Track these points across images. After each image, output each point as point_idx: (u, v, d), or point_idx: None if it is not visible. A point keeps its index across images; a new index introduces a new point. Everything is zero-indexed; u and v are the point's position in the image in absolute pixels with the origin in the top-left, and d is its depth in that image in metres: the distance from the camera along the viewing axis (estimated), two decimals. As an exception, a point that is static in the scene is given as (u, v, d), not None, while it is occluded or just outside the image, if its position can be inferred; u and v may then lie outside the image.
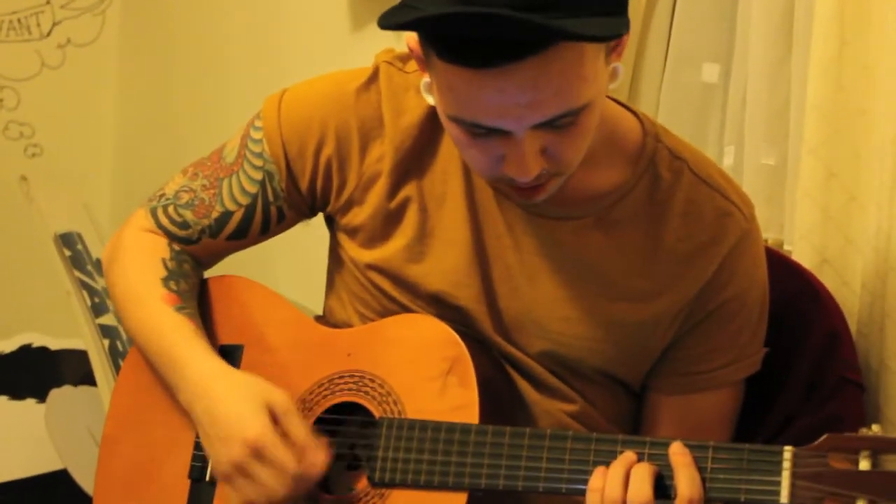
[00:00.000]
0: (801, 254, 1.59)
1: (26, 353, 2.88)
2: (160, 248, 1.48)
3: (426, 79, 1.27)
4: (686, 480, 1.21)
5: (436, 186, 1.40)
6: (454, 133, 1.25)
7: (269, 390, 1.35)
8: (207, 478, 1.43)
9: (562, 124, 1.20)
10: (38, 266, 2.74)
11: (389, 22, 1.17)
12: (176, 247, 1.49)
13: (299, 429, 1.33)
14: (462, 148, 1.26)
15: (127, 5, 3.01)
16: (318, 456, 1.32)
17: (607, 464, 1.24)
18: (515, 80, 1.15)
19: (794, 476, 1.17)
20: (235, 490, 1.33)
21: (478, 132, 1.22)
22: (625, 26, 1.19)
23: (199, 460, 1.43)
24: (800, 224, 1.60)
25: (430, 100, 1.29)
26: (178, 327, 1.41)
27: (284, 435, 1.32)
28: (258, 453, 1.31)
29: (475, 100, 1.18)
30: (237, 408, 1.33)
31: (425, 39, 1.21)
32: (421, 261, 1.40)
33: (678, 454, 1.23)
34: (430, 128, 1.39)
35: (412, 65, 1.41)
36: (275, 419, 1.33)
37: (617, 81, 1.25)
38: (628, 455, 1.24)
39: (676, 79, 1.91)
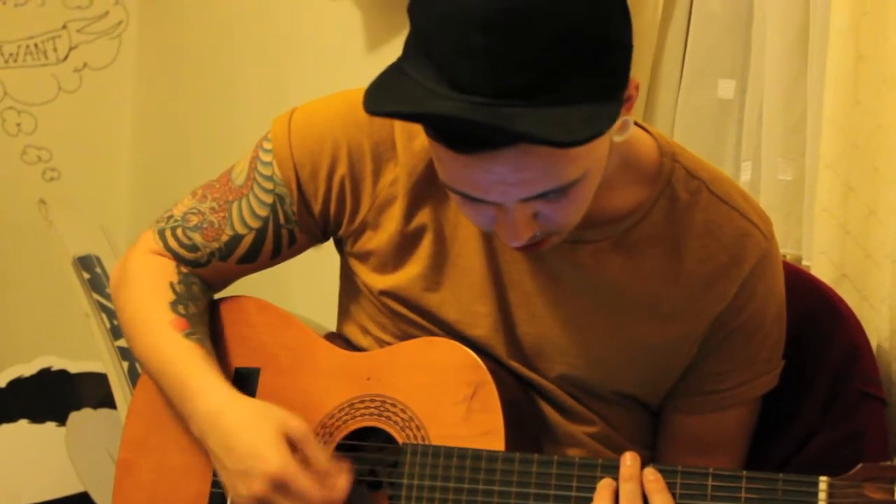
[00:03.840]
0: (820, 269, 1.59)
1: (46, 377, 2.89)
2: (168, 271, 1.46)
3: None
4: None
5: (450, 213, 1.38)
6: (449, 192, 1.24)
7: (285, 417, 1.33)
8: (229, 504, 1.42)
9: (552, 197, 1.19)
10: (57, 289, 2.74)
11: (367, 102, 1.15)
12: (184, 269, 1.47)
13: (319, 455, 1.32)
14: (457, 203, 1.26)
15: (143, 29, 3.02)
16: (339, 481, 1.31)
17: None
18: (499, 162, 1.14)
19: None
20: None
21: (470, 197, 1.21)
22: (611, 119, 1.13)
23: (219, 486, 1.41)
24: (818, 239, 1.59)
25: None
26: (187, 355, 1.39)
27: (304, 462, 1.31)
28: (281, 486, 1.29)
29: (461, 176, 1.18)
30: (254, 439, 1.32)
31: None
32: (437, 290, 1.39)
33: (651, 481, 1.23)
34: None
35: None
36: (293, 447, 1.32)
37: (626, 134, 1.22)
38: (609, 481, 1.24)
39: (692, 95, 1.91)
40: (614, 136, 1.22)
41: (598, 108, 1.12)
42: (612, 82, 1.14)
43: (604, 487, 1.24)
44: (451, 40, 1.10)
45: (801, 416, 1.48)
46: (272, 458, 1.30)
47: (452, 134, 1.14)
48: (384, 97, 1.15)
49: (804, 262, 1.71)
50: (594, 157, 1.19)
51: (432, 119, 1.14)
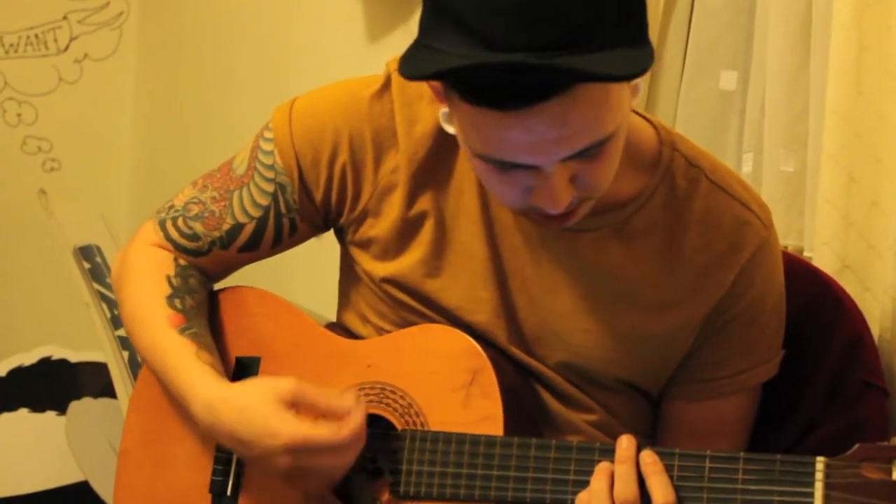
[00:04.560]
0: (822, 260, 1.58)
1: (46, 366, 2.89)
2: (165, 264, 1.46)
3: (445, 109, 1.27)
4: (658, 486, 1.21)
5: (451, 200, 1.39)
6: (480, 168, 1.24)
7: (271, 384, 1.33)
8: (229, 492, 1.42)
9: (590, 154, 1.20)
10: (58, 279, 2.75)
11: (412, 71, 1.16)
12: (182, 261, 1.47)
13: (321, 399, 1.32)
14: (488, 182, 1.26)
15: (143, 19, 3.02)
16: (354, 415, 1.31)
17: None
18: (543, 118, 1.14)
19: (828, 487, 1.16)
20: (301, 488, 1.33)
21: (505, 167, 1.21)
22: (650, 58, 1.16)
23: (220, 474, 1.43)
24: (820, 230, 1.59)
25: (451, 129, 1.28)
26: (180, 352, 1.39)
27: (312, 412, 1.31)
28: (301, 449, 1.29)
29: (502, 139, 1.18)
30: (254, 420, 1.31)
31: (447, 84, 1.20)
32: (438, 276, 1.39)
33: (649, 463, 1.23)
34: (444, 138, 1.38)
35: None
36: (294, 405, 1.31)
37: (637, 97, 1.24)
38: (606, 464, 1.24)
39: (694, 87, 1.91)
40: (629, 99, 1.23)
41: (634, 51, 1.14)
42: (638, 30, 1.16)
43: (601, 470, 1.24)
44: (481, 2, 1.11)
45: (802, 407, 1.48)
46: (279, 431, 1.29)
47: (497, 91, 1.14)
48: (421, 65, 1.15)
49: (806, 254, 1.71)
50: (623, 112, 1.21)
51: (489, 69, 1.12)
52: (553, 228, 1.32)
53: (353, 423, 1.30)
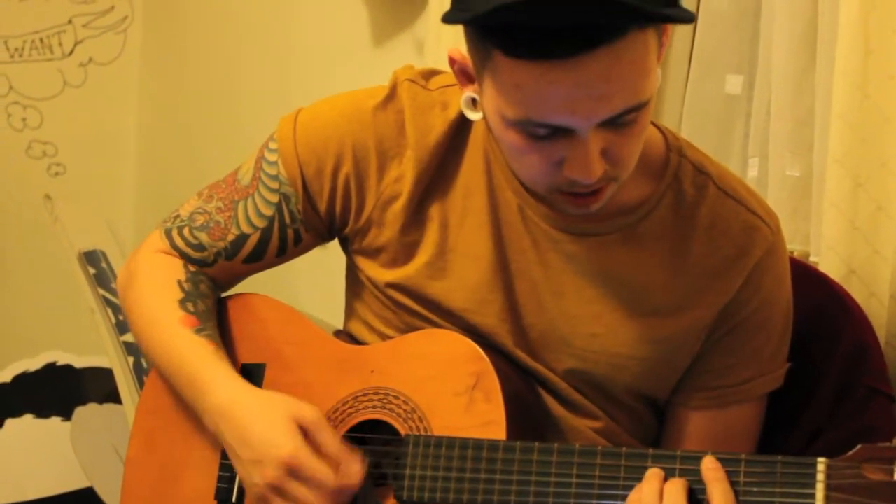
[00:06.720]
0: (828, 265, 1.58)
1: (51, 372, 2.89)
2: (175, 269, 1.47)
3: (468, 94, 1.27)
4: (720, 495, 1.20)
5: (457, 202, 1.39)
6: (512, 140, 1.23)
7: (297, 405, 1.34)
8: (234, 499, 1.42)
9: (624, 122, 1.20)
10: (63, 284, 2.75)
11: (463, 17, 1.16)
12: (191, 268, 1.48)
13: (331, 441, 1.32)
14: (519, 156, 1.25)
15: (148, 24, 3.03)
16: (353, 467, 1.31)
17: (638, 479, 1.23)
18: (589, 71, 1.15)
19: (829, 488, 1.15)
20: None
21: (540, 134, 1.21)
22: (691, 13, 1.19)
23: (226, 481, 1.43)
24: (826, 235, 1.58)
25: (474, 116, 1.28)
26: (198, 350, 1.40)
27: (317, 449, 1.31)
28: (294, 471, 1.30)
29: (545, 96, 1.17)
30: (266, 427, 1.32)
31: (490, 38, 1.18)
32: (442, 278, 1.39)
33: (711, 469, 1.21)
34: (454, 143, 1.39)
35: (435, 81, 1.40)
36: (305, 434, 1.32)
37: (656, 85, 1.25)
38: (657, 471, 1.23)
39: (700, 90, 1.90)
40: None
41: (674, 8, 1.17)
42: None
43: (654, 476, 1.23)
44: None
45: (808, 413, 1.48)
46: (284, 444, 1.30)
47: (545, 38, 1.13)
48: (474, 4, 1.14)
49: (812, 258, 1.70)
50: (654, 87, 1.22)
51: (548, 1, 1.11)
52: (576, 213, 1.31)
53: (350, 474, 1.31)
